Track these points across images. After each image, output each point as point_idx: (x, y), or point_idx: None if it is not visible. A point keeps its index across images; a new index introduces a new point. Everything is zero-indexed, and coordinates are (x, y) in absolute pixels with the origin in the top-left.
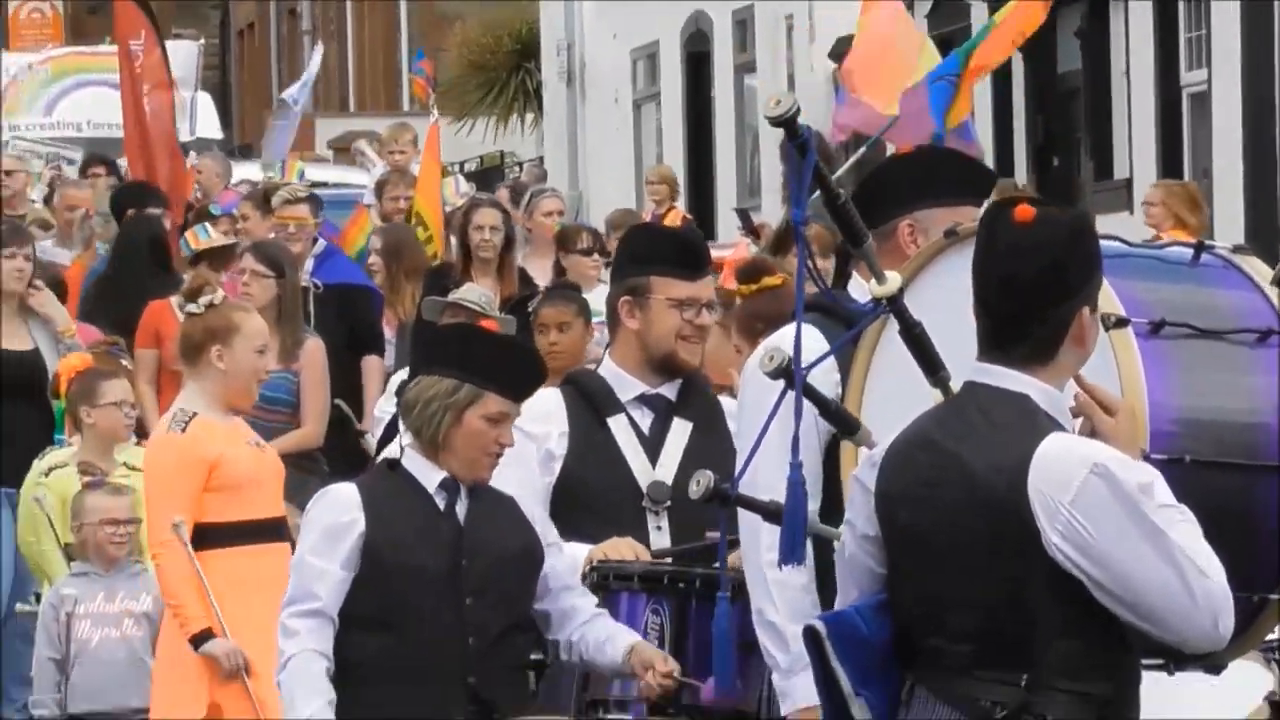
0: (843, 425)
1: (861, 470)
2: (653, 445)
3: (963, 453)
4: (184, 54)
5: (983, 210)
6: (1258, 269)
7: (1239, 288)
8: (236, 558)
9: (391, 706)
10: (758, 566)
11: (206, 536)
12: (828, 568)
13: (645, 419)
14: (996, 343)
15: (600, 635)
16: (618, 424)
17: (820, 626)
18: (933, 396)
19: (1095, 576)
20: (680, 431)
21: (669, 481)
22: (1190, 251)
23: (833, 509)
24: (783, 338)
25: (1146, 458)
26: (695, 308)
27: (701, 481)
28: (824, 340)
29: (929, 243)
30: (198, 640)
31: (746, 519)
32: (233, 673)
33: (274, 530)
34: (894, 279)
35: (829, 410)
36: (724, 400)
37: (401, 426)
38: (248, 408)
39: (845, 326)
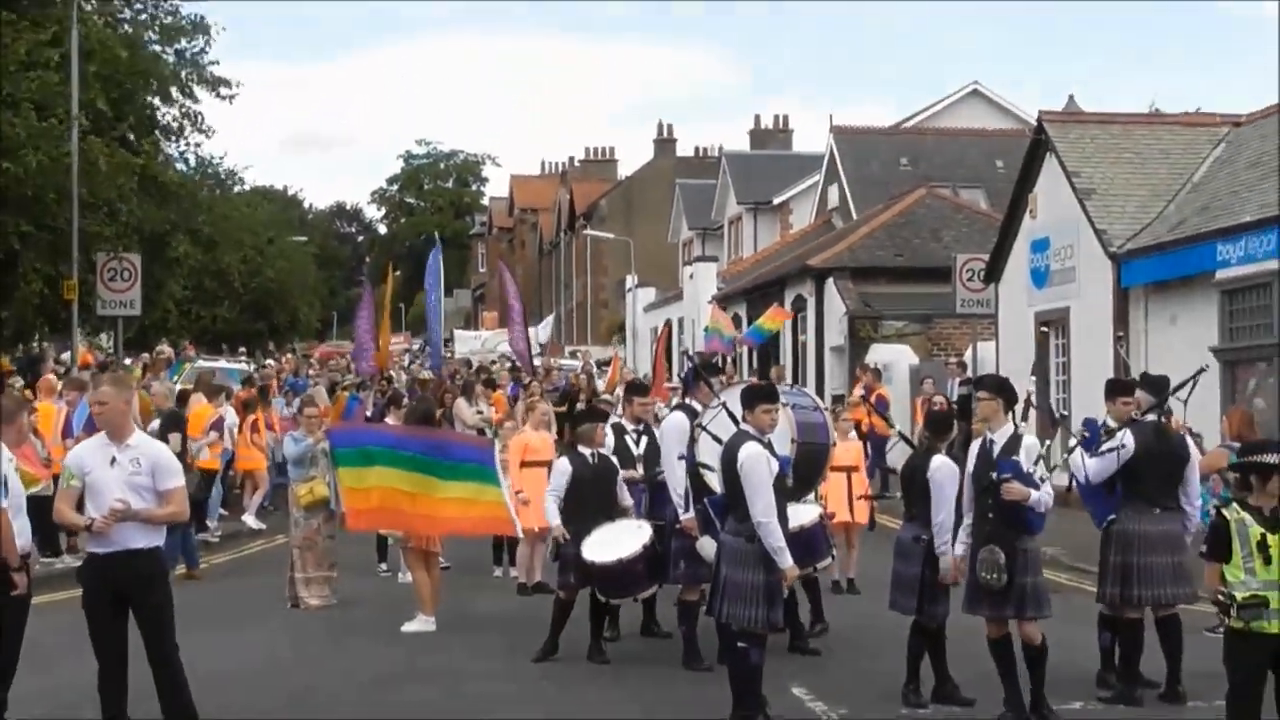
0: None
1: (720, 451)
2: None
3: (734, 445)
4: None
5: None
6: (804, 390)
7: (803, 396)
8: (532, 471)
9: (578, 521)
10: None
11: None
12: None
13: None
14: (740, 416)
15: None
16: None
17: (707, 501)
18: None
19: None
20: None
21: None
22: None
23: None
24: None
25: (796, 441)
26: None
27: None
28: (687, 420)
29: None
30: None
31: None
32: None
33: (545, 463)
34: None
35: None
36: None
37: None
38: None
39: (690, 416)
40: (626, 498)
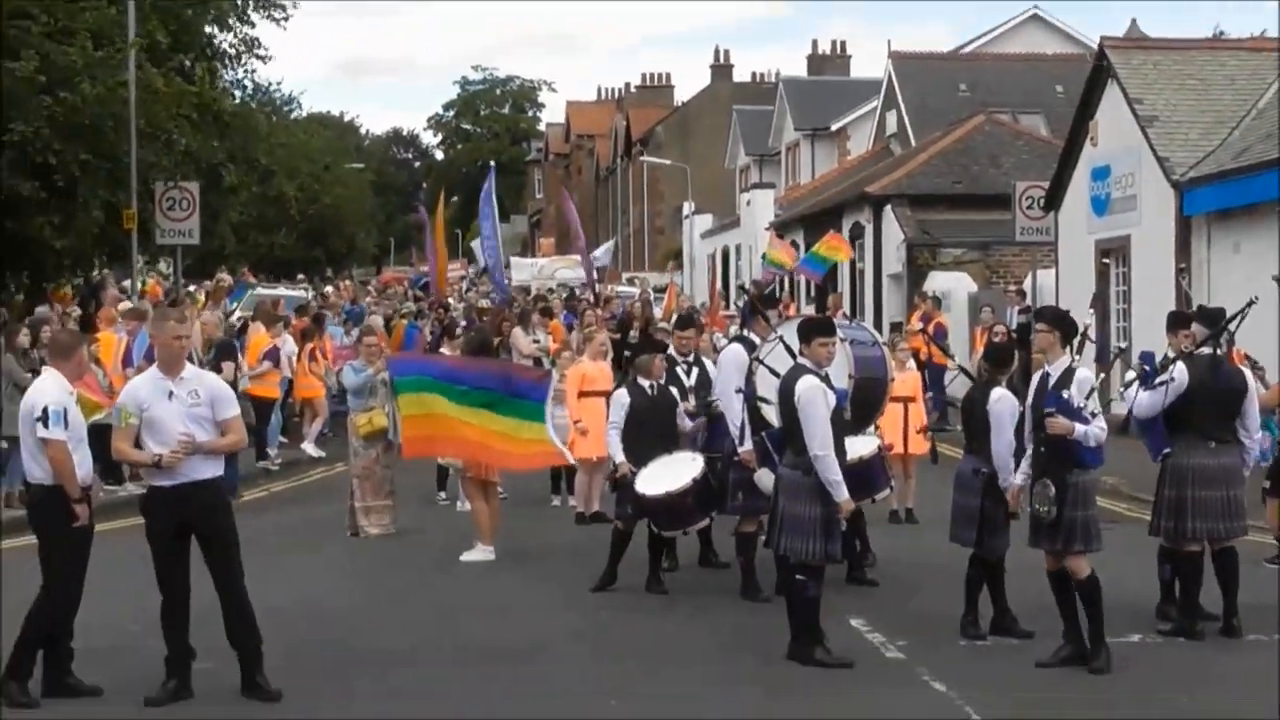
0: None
1: (777, 385)
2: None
3: (791, 379)
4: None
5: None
6: (862, 325)
7: (861, 330)
8: (589, 401)
9: (637, 453)
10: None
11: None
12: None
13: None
14: (798, 349)
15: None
16: None
17: (764, 435)
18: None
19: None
20: None
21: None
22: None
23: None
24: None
25: (853, 376)
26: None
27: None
28: (745, 352)
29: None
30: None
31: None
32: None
33: (603, 393)
34: (781, 330)
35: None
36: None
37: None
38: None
39: (749, 348)
40: (687, 423)
